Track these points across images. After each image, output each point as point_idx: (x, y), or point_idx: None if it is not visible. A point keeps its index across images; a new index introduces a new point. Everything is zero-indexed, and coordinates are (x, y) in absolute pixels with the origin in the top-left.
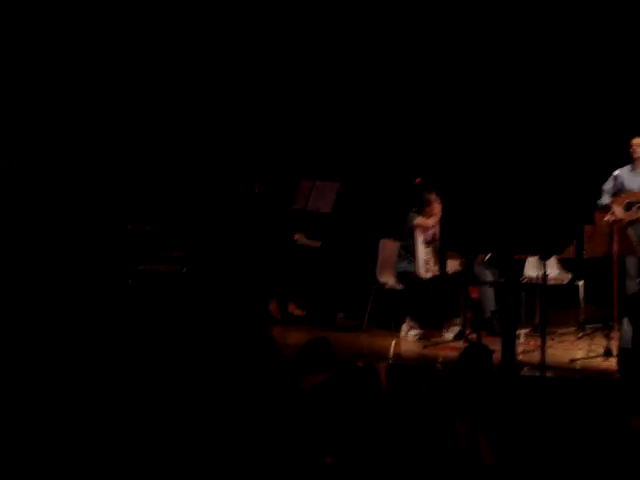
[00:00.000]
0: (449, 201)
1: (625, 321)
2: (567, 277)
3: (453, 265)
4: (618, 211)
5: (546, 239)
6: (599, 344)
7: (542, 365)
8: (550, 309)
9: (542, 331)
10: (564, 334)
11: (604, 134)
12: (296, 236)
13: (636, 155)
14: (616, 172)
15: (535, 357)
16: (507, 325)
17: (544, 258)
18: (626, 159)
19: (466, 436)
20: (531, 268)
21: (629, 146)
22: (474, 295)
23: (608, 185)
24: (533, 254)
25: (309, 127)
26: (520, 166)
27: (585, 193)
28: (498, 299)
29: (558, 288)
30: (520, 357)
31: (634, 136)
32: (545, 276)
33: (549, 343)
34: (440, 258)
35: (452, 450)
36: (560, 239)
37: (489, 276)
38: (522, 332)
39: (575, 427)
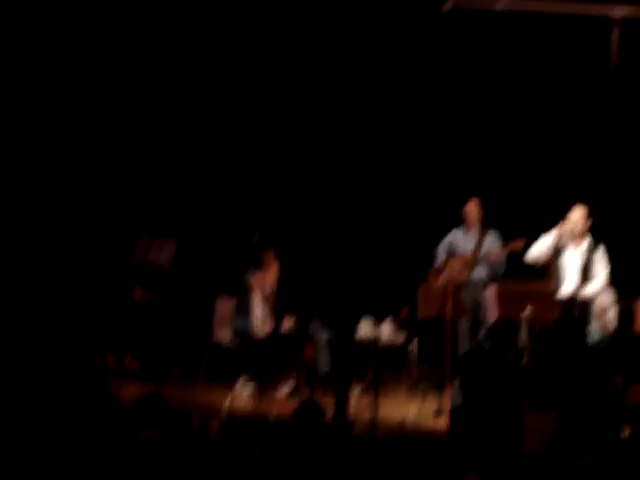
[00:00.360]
0: (287, 260)
1: (456, 381)
2: (401, 337)
3: (289, 323)
4: (452, 273)
5: (381, 300)
6: (431, 403)
7: (374, 425)
8: (384, 368)
9: (375, 390)
10: (397, 393)
11: (436, 198)
12: (135, 291)
13: (468, 219)
14: (448, 235)
15: (368, 416)
16: (340, 384)
17: (379, 319)
18: (457, 221)
19: None
20: (365, 328)
21: (462, 210)
22: (309, 353)
23: (441, 248)
24: (368, 315)
25: (148, 183)
26: (355, 229)
27: (418, 255)
28: (332, 357)
29: (392, 348)
30: (353, 416)
31: (466, 200)
32: (379, 337)
33: (382, 402)
34: (276, 315)
35: None
36: (394, 300)
37: (324, 335)
38: (355, 390)
39: None
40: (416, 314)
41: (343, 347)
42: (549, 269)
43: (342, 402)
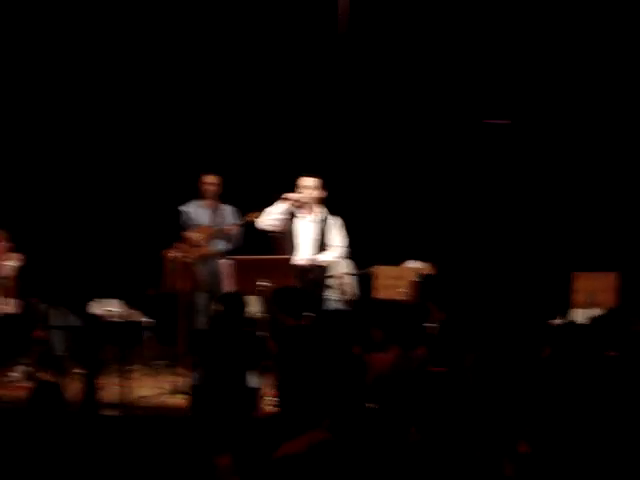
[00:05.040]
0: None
1: (195, 358)
2: (134, 314)
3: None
4: (187, 246)
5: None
6: (165, 381)
7: (118, 404)
8: (116, 347)
9: (120, 369)
10: (130, 372)
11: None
12: None
13: (207, 193)
14: (182, 208)
15: (107, 395)
16: (87, 365)
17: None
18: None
19: None
20: (97, 306)
21: (200, 184)
22: (41, 334)
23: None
24: (113, 298)
25: None
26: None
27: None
28: (68, 339)
29: (124, 325)
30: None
31: (205, 172)
32: (115, 314)
33: (116, 381)
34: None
35: None
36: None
37: (58, 318)
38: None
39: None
40: (162, 289)
41: (88, 329)
42: (281, 241)
43: (90, 383)
